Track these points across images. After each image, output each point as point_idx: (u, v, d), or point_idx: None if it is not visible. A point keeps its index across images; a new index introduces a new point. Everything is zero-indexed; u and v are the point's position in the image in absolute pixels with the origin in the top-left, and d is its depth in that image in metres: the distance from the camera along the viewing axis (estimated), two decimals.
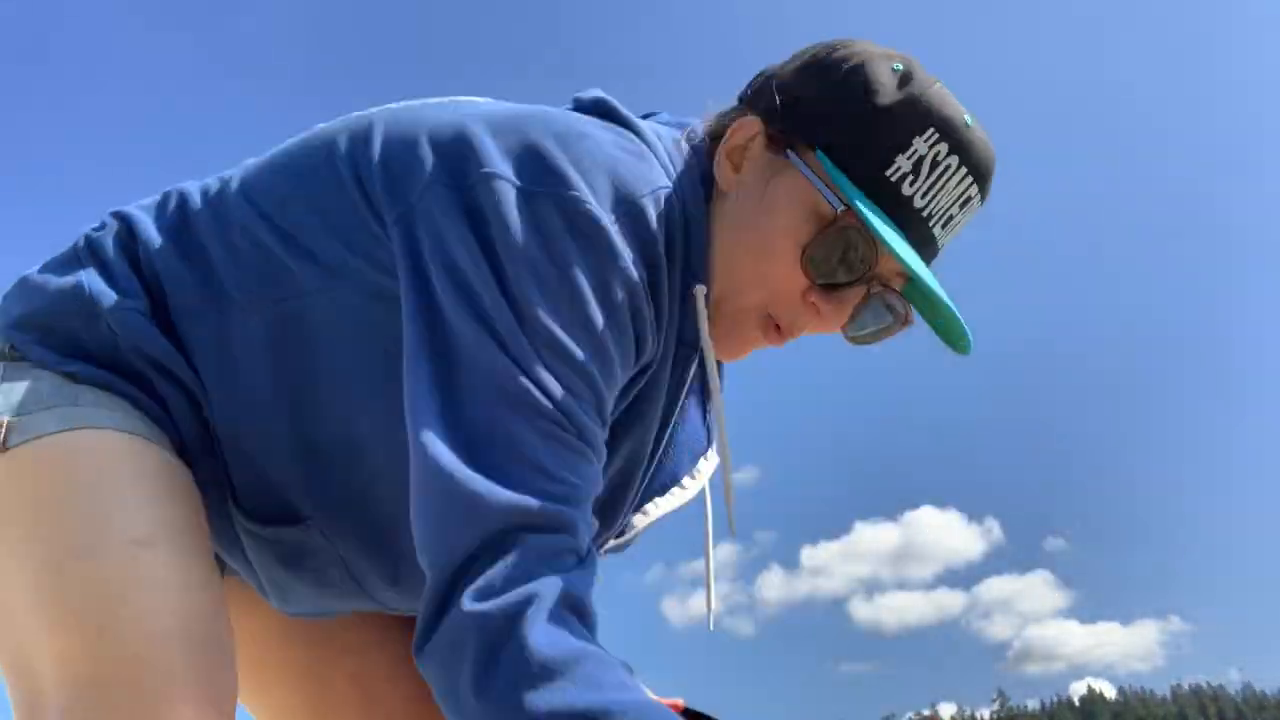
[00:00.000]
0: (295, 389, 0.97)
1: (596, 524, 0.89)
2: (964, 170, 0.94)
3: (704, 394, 1.14)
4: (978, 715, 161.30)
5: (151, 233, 1.03)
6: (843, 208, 0.93)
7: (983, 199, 0.98)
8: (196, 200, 1.05)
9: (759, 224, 0.96)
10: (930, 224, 0.95)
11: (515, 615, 0.77)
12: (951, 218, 0.96)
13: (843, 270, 0.95)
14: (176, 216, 1.04)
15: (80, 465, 0.92)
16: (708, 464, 1.15)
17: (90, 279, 1.00)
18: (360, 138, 0.98)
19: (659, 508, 1.11)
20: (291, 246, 0.98)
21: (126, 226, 1.05)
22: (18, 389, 0.96)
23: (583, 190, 0.88)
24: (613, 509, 1.03)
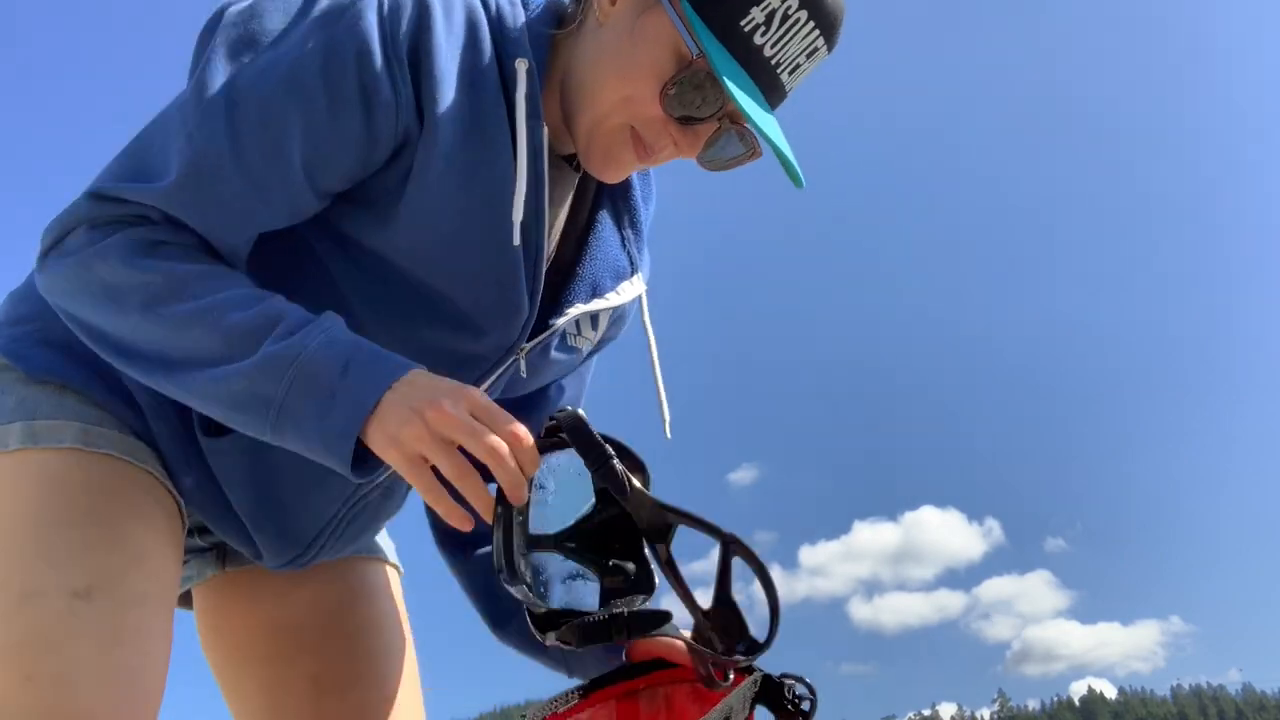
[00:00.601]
0: None
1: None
2: (812, 24, 1.04)
3: (619, 221, 1.26)
4: (978, 716, 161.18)
5: None
6: (699, 53, 1.03)
7: (829, 49, 1.08)
8: None
9: (627, 55, 1.06)
10: (778, 71, 1.05)
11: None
12: (799, 66, 1.07)
13: (695, 108, 1.06)
14: None
15: (33, 499, 1.02)
16: (631, 286, 1.25)
17: None
18: None
19: (577, 309, 1.19)
20: None
21: None
22: None
23: None
24: (505, 288, 1.10)
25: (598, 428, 0.91)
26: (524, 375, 1.20)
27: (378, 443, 0.89)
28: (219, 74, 0.99)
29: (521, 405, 1.29)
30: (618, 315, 1.28)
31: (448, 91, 1.04)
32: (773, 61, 1.05)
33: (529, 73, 1.07)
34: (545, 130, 1.08)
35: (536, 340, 1.17)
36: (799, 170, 1.05)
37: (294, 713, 1.29)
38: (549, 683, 1.21)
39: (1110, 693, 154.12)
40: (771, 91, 1.06)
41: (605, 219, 1.24)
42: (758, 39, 1.03)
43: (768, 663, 0.99)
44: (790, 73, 1.06)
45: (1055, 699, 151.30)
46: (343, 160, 1.03)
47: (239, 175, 0.99)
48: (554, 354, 1.22)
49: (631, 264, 1.26)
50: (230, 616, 1.32)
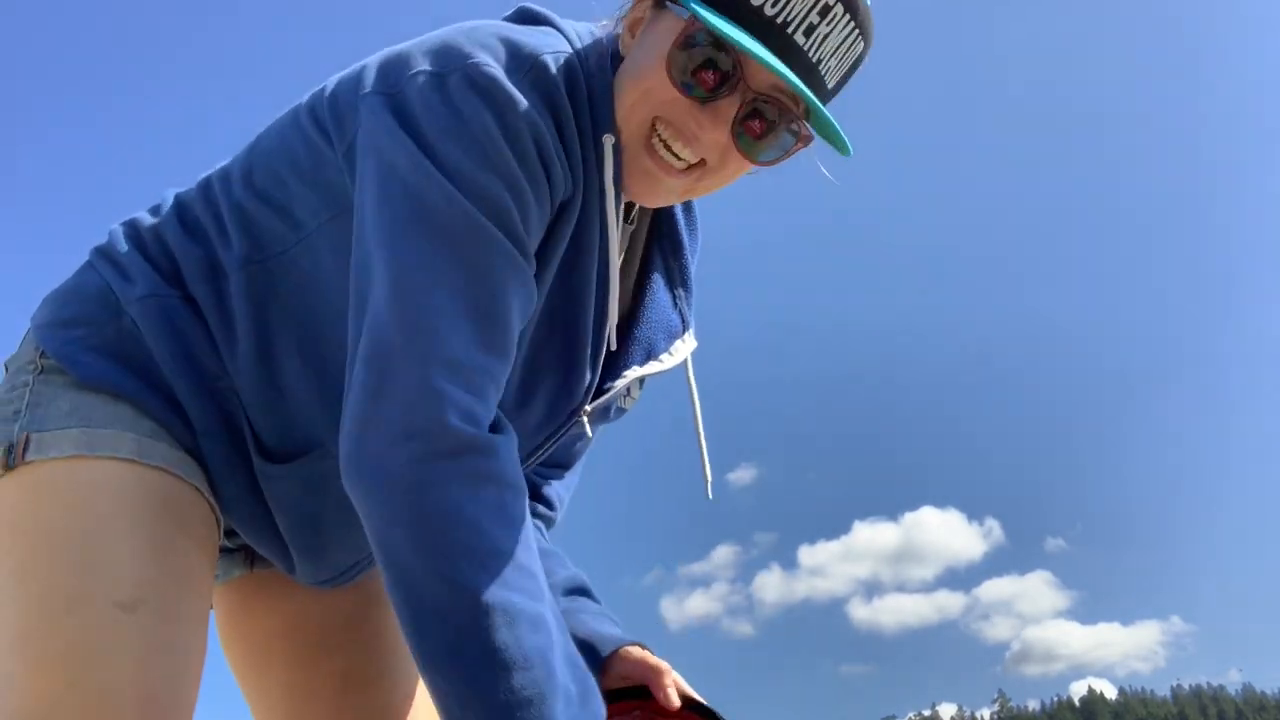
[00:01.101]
0: (296, 328, 1.08)
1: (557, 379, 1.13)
2: None
3: (670, 279, 1.26)
4: (978, 716, 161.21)
5: (154, 220, 1.18)
6: (688, 14, 1.03)
7: (846, 7, 1.02)
8: (189, 189, 1.20)
9: (639, 59, 1.08)
10: (789, 31, 1.00)
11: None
12: (813, 26, 1.01)
13: (702, 73, 1.03)
14: (174, 205, 1.19)
15: (85, 506, 1.02)
16: (684, 345, 1.25)
17: (110, 279, 1.13)
18: (317, 91, 1.14)
19: (635, 373, 1.21)
20: (268, 205, 1.12)
21: (131, 225, 1.19)
22: (42, 404, 1.07)
23: (482, 57, 1.02)
24: (572, 353, 1.14)
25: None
26: (589, 435, 1.23)
27: None
28: (417, 200, 0.99)
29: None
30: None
31: (577, 165, 1.07)
32: (778, 20, 1.00)
33: (615, 148, 1.07)
34: (619, 207, 1.10)
35: (597, 403, 1.20)
36: (842, 135, 1.03)
37: (318, 710, 1.30)
38: None
39: (1110, 693, 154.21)
40: (788, 55, 1.01)
41: (658, 279, 1.25)
42: (755, 2, 1.01)
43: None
44: (805, 34, 1.01)
45: (1055, 699, 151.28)
46: (539, 230, 1.05)
47: (515, 281, 1.00)
48: (601, 416, 1.25)
49: (683, 322, 1.26)
50: (254, 616, 1.33)
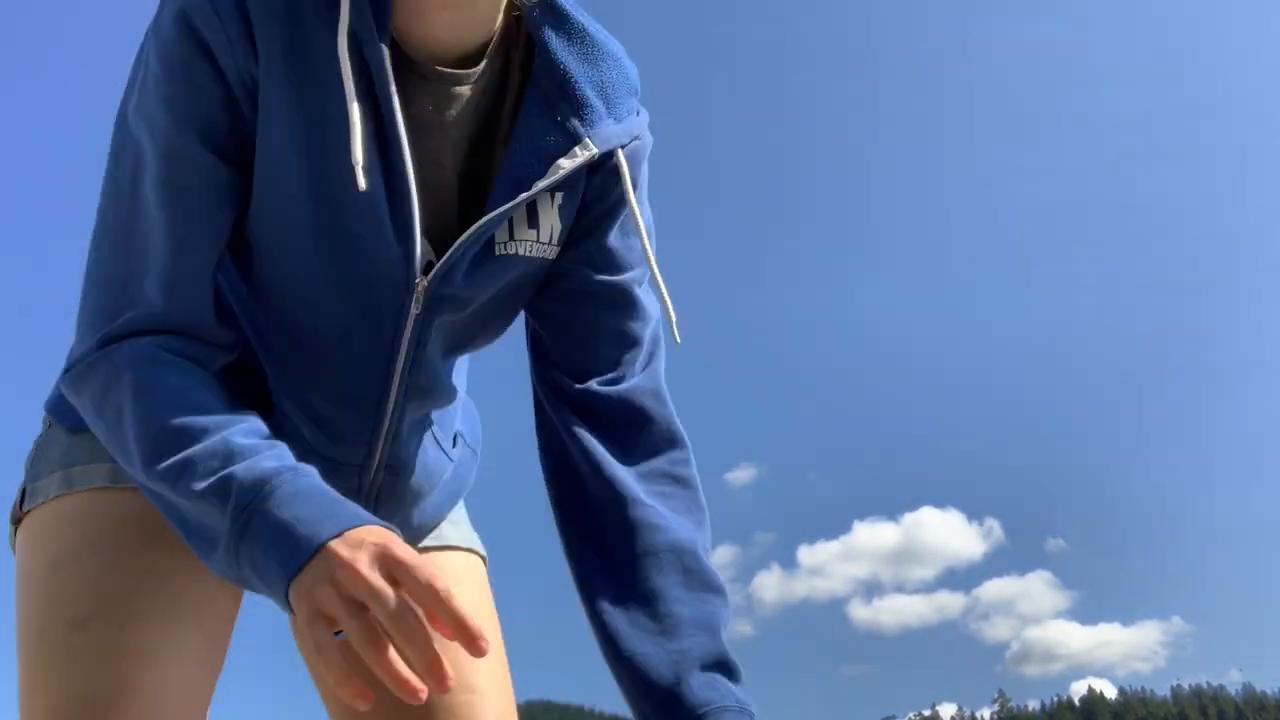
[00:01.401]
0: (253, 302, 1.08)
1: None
2: None
3: (551, 103, 1.07)
4: (978, 716, 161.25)
5: None
6: None
7: None
8: None
9: None
10: None
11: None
12: None
13: None
14: None
15: (53, 541, 1.07)
16: (569, 160, 1.05)
17: None
18: None
19: (498, 212, 1.03)
20: None
21: None
22: (40, 458, 1.14)
23: None
24: (372, 233, 1.01)
25: None
26: (417, 310, 1.05)
27: (294, 595, 0.84)
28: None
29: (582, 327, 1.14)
30: (597, 215, 1.12)
31: (273, 28, 0.98)
32: None
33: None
34: (384, 50, 0.99)
35: (438, 268, 1.04)
36: None
37: (384, 709, 1.20)
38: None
39: (1110, 693, 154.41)
40: None
41: (530, 114, 1.07)
42: None
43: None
44: None
45: (1055, 699, 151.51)
46: (217, 118, 0.99)
47: (161, 188, 0.99)
48: (468, 278, 1.06)
49: (571, 136, 1.07)
50: None
